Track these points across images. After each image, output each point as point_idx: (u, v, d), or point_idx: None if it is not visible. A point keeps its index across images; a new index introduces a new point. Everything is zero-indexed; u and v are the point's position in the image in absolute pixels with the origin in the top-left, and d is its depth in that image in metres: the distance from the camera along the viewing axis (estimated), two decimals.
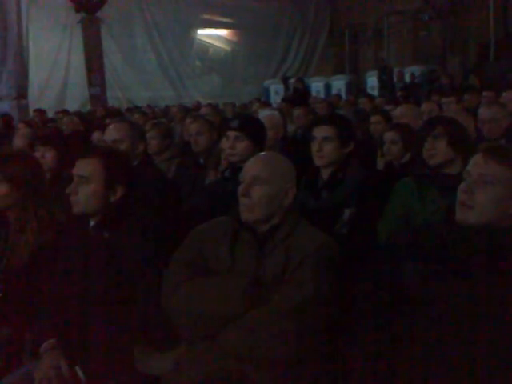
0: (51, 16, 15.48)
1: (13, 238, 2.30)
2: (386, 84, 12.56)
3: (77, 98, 15.61)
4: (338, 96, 10.78)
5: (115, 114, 7.16)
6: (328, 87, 15.32)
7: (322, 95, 13.66)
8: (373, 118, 4.54)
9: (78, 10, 14.62)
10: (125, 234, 2.07)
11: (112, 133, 2.97)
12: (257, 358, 1.75)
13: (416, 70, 13.06)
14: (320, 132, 2.60)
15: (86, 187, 2.06)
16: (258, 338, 1.73)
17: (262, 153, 2.26)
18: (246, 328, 1.75)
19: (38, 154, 3.13)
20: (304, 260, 1.83)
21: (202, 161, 3.90)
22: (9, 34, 10.14)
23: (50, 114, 10.00)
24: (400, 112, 4.17)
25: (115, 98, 16.01)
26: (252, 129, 2.84)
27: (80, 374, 1.87)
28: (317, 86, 15.27)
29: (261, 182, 1.93)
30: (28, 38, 10.65)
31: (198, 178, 3.77)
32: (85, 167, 2.09)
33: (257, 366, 1.75)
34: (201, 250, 1.97)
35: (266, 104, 8.99)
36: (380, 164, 3.73)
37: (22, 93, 10.50)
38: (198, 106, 10.68)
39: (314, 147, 2.59)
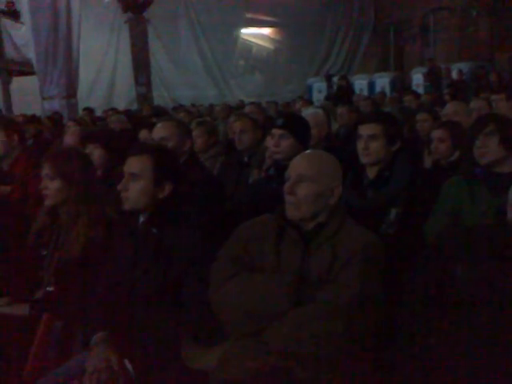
0: (99, 16, 15.90)
1: (65, 232, 2.37)
2: (433, 83, 12.31)
3: (124, 97, 15.98)
4: (383, 93, 10.61)
5: (161, 112, 7.27)
6: (371, 85, 15.11)
7: (366, 93, 13.49)
8: (419, 116, 4.46)
9: (125, 10, 14.93)
10: (172, 230, 2.10)
11: (160, 131, 3.03)
12: (302, 355, 1.75)
13: (463, 66, 12.73)
14: (366, 130, 2.57)
15: (136, 184, 2.09)
16: (304, 335, 1.73)
17: (309, 151, 2.25)
18: (291, 325, 1.75)
19: (87, 152, 3.21)
20: (351, 259, 1.81)
21: (245, 159, 3.91)
22: (59, 35, 10.43)
23: (98, 113, 10.26)
24: (450, 109, 4.07)
25: (160, 97, 16.31)
26: (296, 127, 2.84)
27: (129, 367, 1.89)
28: (360, 83, 15.08)
29: (307, 179, 1.92)
30: (78, 38, 10.94)
31: (242, 176, 3.79)
32: (135, 164, 2.12)
33: (302, 362, 1.75)
34: (246, 246, 1.98)
35: (309, 102, 8.95)
36: (427, 162, 3.66)
37: (71, 92, 10.78)
38: (241, 104, 10.74)
39: (360, 145, 2.57)
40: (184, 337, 1.94)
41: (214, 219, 2.64)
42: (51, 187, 2.37)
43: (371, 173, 2.56)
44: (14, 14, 13.28)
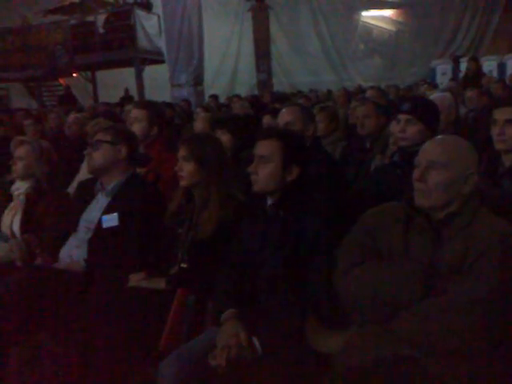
0: (223, 4, 16.40)
1: (197, 213, 2.50)
2: None
3: (245, 84, 16.42)
4: None
5: (283, 98, 7.34)
6: (502, 66, 14.02)
7: (495, 75, 12.57)
8: None
9: None
10: (299, 214, 2.14)
11: (285, 116, 3.08)
12: (431, 347, 1.70)
13: None
14: (503, 114, 2.42)
15: (265, 167, 2.16)
16: (434, 327, 1.69)
17: (441, 136, 2.16)
18: (421, 316, 1.71)
19: None
20: (486, 251, 1.72)
21: (367, 144, 3.85)
22: (188, 24, 10.93)
23: (222, 99, 10.62)
24: None
25: (279, 83, 16.51)
26: (424, 112, 2.73)
27: (257, 344, 1.93)
28: (489, 65, 14.06)
29: (438, 166, 1.84)
30: (204, 27, 11.38)
31: (364, 162, 3.74)
32: (264, 148, 2.19)
33: (430, 355, 1.71)
34: (373, 234, 1.96)
35: (434, 86, 8.55)
36: None
37: (198, 80, 11.32)
38: (360, 89, 10.53)
39: (495, 130, 2.42)
40: (309, 319, 1.98)
41: (336, 204, 2.64)
42: (186, 169, 2.50)
43: (507, 160, 2.41)
44: (146, 6, 14.13)
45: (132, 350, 2.24)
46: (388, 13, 17.93)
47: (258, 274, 2.16)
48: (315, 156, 2.97)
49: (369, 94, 6.04)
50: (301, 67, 17.30)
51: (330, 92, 10.57)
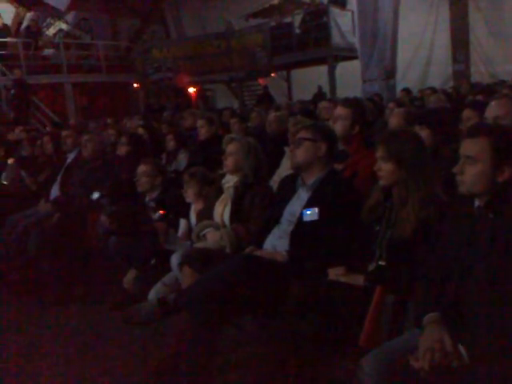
0: None
1: (396, 211, 2.46)
2: None
3: (439, 75, 15.60)
4: None
5: (487, 90, 6.80)
6: None
7: None
8: None
9: None
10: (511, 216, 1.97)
11: (495, 109, 2.88)
12: None
13: None
14: None
15: (473, 167, 2.02)
16: None
17: None
18: None
19: None
20: None
21: None
22: (382, 18, 10.74)
23: (413, 92, 10.24)
24: None
25: (477, 73, 15.38)
26: None
27: (463, 353, 1.84)
28: None
29: None
30: (398, 20, 11.08)
31: None
32: (472, 147, 2.04)
33: None
34: None
35: None
36: None
37: (390, 74, 11.09)
38: None
39: None
40: None
41: None
42: (385, 169, 2.48)
43: None
44: (341, 3, 14.29)
45: (333, 343, 2.28)
46: None
47: (463, 279, 2.04)
48: None
49: None
50: (503, 55, 15.79)
51: None
